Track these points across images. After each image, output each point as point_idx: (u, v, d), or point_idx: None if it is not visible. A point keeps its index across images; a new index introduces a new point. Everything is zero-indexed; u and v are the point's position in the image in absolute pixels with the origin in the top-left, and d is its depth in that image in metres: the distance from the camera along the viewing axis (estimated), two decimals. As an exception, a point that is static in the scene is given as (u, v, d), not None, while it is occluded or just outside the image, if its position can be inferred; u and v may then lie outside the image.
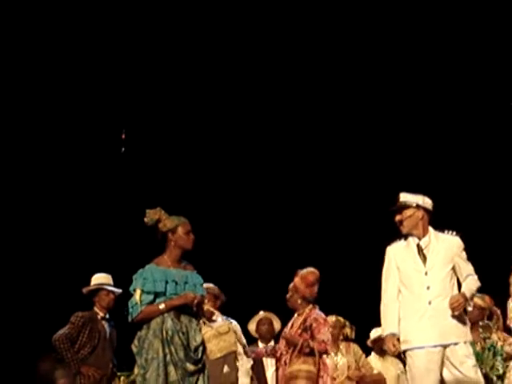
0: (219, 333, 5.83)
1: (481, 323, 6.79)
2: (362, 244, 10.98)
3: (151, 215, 5.81)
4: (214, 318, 7.16)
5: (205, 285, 6.71)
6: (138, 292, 5.63)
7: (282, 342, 6.85)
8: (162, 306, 5.62)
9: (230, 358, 7.23)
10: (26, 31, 9.98)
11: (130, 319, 5.66)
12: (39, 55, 10.17)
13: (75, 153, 10.83)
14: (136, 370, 5.67)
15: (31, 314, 9.88)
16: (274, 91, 11.16)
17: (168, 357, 5.53)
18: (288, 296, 6.96)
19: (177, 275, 5.76)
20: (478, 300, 6.95)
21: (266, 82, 11.06)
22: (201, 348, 5.67)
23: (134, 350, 5.65)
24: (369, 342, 8.79)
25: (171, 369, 5.52)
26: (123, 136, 11.20)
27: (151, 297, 5.64)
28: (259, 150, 11.43)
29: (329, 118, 11.33)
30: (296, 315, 6.91)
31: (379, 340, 8.56)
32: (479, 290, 6.82)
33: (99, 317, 7.44)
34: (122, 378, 7.56)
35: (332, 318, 8.24)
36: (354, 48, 10.77)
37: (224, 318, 7.47)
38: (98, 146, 11.03)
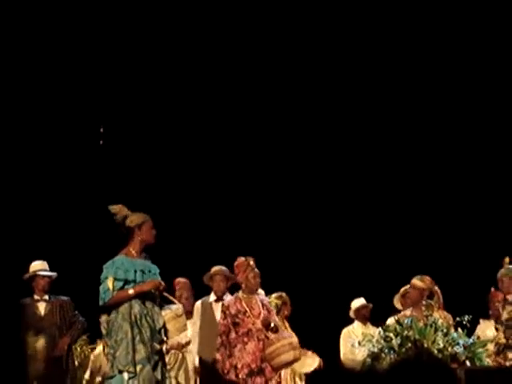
0: (176, 315, 6.46)
1: (424, 302, 7.18)
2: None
3: (121, 212, 6.30)
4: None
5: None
6: (111, 279, 6.20)
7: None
8: (131, 291, 6.21)
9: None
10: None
11: (101, 303, 6.24)
12: (16, 48, 10.22)
13: (53, 145, 10.95)
14: (106, 350, 6.29)
15: None
16: (252, 86, 11.21)
17: (138, 337, 6.11)
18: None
19: (141, 265, 6.34)
20: (417, 281, 7.38)
21: (245, 74, 11.08)
22: (163, 330, 6.29)
23: (104, 331, 6.26)
24: (351, 313, 9.12)
25: (140, 347, 6.10)
26: (101, 129, 11.39)
27: (121, 283, 6.23)
28: (235, 145, 11.46)
29: (315, 119, 11.33)
30: (243, 296, 7.50)
31: (362, 309, 8.97)
32: (420, 272, 7.28)
33: (35, 299, 8.17)
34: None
35: (282, 294, 8.68)
36: (354, 48, 10.76)
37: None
38: (76, 139, 11.21)
